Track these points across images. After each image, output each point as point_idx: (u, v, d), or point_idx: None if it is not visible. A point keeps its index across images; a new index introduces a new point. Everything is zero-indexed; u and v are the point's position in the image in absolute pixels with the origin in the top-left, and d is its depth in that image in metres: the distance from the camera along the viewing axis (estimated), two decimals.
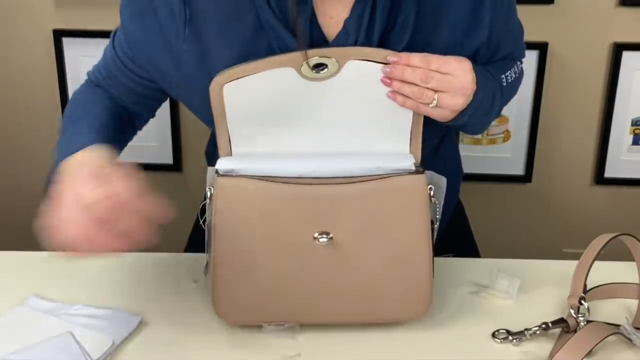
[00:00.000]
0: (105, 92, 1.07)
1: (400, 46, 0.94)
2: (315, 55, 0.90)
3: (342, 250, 0.91)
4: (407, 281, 0.94)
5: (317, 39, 0.94)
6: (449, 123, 0.97)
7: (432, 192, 0.94)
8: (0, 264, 1.11)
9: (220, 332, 0.97)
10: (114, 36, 1.04)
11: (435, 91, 0.92)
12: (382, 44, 0.94)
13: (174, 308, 1.01)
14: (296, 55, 0.90)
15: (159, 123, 1.90)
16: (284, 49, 0.92)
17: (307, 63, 0.90)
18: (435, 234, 0.97)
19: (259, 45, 0.94)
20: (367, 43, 0.93)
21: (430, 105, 0.93)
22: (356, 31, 0.93)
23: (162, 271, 1.09)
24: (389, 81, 0.93)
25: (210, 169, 0.96)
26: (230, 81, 0.91)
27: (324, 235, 0.90)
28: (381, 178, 0.91)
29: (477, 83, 0.94)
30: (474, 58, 0.99)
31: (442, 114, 0.94)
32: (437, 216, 0.95)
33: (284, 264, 0.92)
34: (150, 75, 1.01)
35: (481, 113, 1.00)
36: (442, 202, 0.97)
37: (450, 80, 0.92)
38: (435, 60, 0.92)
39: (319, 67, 0.90)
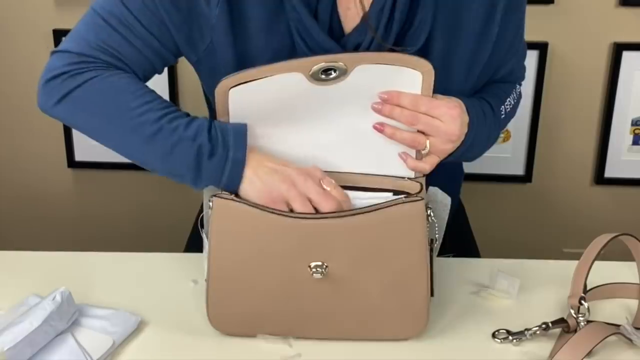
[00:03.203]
0: (121, 71, 0.98)
1: (416, 47, 0.95)
2: (323, 62, 0.90)
3: (338, 281, 0.91)
4: (405, 305, 0.93)
5: (336, 29, 0.95)
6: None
7: (430, 212, 0.92)
8: (0, 264, 1.11)
9: (219, 332, 0.97)
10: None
11: (427, 137, 0.93)
12: (398, 43, 0.94)
13: (174, 308, 1.01)
14: (304, 61, 0.90)
15: None
16: (303, 32, 0.93)
17: (317, 69, 0.89)
18: (436, 252, 0.96)
19: (278, 25, 0.94)
20: (384, 40, 0.94)
21: (424, 152, 0.94)
22: (375, 27, 0.93)
23: (162, 271, 1.09)
24: (380, 127, 0.94)
25: (206, 190, 0.95)
26: (237, 85, 0.91)
27: (319, 268, 0.89)
28: (377, 209, 0.89)
29: (470, 125, 0.95)
30: (480, 73, 1.00)
31: (430, 160, 0.95)
32: (436, 235, 0.94)
33: (277, 289, 0.92)
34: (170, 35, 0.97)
35: (474, 152, 1.01)
36: (446, 219, 0.96)
37: (438, 125, 0.93)
38: (425, 103, 0.92)
39: (327, 71, 0.90)
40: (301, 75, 0.90)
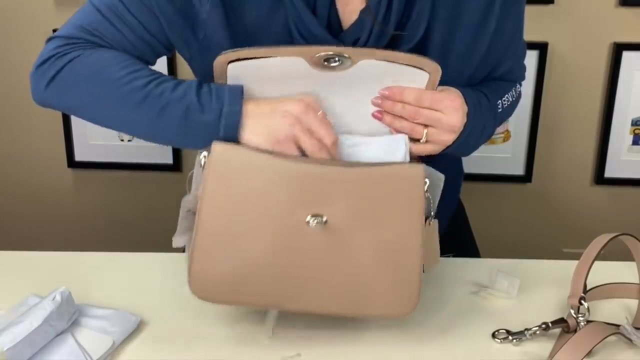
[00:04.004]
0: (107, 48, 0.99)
1: (414, 39, 0.95)
2: (331, 51, 0.89)
3: (334, 235, 0.89)
4: (396, 275, 0.91)
5: (334, 24, 0.95)
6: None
7: (427, 187, 0.92)
8: (0, 264, 1.11)
9: (220, 332, 0.97)
10: None
11: (425, 126, 0.93)
12: (397, 35, 0.95)
13: (174, 308, 1.01)
14: (309, 48, 0.90)
15: None
16: (301, 27, 0.93)
17: (320, 55, 0.89)
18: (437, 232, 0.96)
19: (276, 20, 0.94)
20: (382, 34, 0.94)
21: (421, 141, 0.94)
22: (371, 23, 0.93)
23: (162, 271, 1.09)
24: (379, 115, 0.94)
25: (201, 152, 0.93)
26: (236, 61, 0.90)
27: (317, 218, 0.88)
28: (380, 165, 0.90)
29: (468, 115, 0.95)
30: (475, 69, 1.00)
31: (429, 149, 0.95)
32: (432, 212, 0.94)
33: (270, 243, 0.89)
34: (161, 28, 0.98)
35: (469, 144, 1.01)
36: (438, 199, 0.96)
37: (440, 118, 0.93)
38: (429, 98, 0.93)
39: (329, 60, 0.90)
40: (303, 61, 0.90)
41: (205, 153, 0.90)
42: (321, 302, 0.91)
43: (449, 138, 0.95)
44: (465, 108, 0.96)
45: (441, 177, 0.96)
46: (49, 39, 1.00)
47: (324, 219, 0.88)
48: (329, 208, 0.89)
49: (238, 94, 0.90)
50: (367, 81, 0.92)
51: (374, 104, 0.94)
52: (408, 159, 0.94)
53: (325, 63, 0.90)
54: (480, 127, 1.01)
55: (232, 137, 0.89)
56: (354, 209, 0.89)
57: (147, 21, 0.97)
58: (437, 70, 0.91)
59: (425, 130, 0.94)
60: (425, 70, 0.92)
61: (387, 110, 0.93)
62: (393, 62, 0.91)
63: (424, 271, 0.93)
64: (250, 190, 0.89)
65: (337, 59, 0.89)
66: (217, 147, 0.89)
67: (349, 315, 0.94)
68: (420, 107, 0.93)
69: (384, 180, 0.90)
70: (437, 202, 0.96)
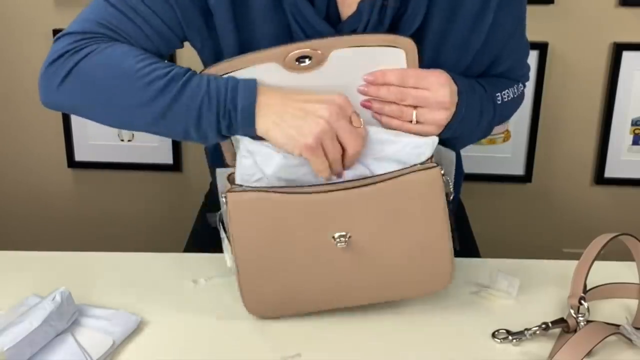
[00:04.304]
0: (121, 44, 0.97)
1: (410, 31, 0.95)
2: (298, 49, 0.90)
3: (362, 249, 0.92)
4: (428, 265, 0.95)
5: (332, 15, 0.96)
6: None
7: (442, 171, 0.92)
8: (0, 264, 1.11)
9: (219, 332, 0.97)
10: None
11: (414, 107, 0.93)
12: (394, 27, 0.95)
13: (174, 308, 1.01)
14: (279, 50, 0.90)
15: None
16: (299, 18, 0.94)
17: (291, 56, 0.90)
18: (453, 204, 0.97)
19: (277, 11, 0.95)
20: (379, 25, 0.94)
21: (412, 122, 0.93)
22: (368, 13, 0.94)
23: (162, 271, 1.09)
24: (368, 104, 0.94)
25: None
26: (224, 74, 0.91)
27: (342, 237, 0.91)
28: (394, 177, 0.91)
29: (458, 94, 0.95)
30: (472, 63, 1.00)
31: (426, 130, 0.95)
32: (451, 189, 0.95)
33: (305, 266, 0.94)
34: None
35: (468, 127, 1.00)
36: (453, 175, 0.97)
37: (427, 96, 0.93)
38: (413, 76, 0.92)
39: (302, 59, 0.91)
40: (277, 65, 0.91)
41: (225, 194, 0.92)
42: (362, 298, 0.97)
43: (441, 116, 0.94)
44: (454, 86, 0.95)
45: (452, 153, 0.96)
46: (58, 37, 0.98)
47: (348, 235, 0.91)
48: (352, 226, 0.92)
49: (252, 87, 0.89)
50: (346, 72, 0.92)
51: (360, 92, 0.94)
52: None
53: (297, 64, 0.90)
54: (477, 110, 1.00)
55: (247, 129, 0.89)
56: (377, 223, 0.92)
57: (162, 11, 0.96)
58: (412, 46, 0.92)
59: (415, 111, 0.93)
60: (399, 48, 0.92)
61: (373, 95, 0.93)
62: (364, 45, 0.91)
63: (455, 248, 0.96)
64: (272, 225, 0.92)
65: (307, 58, 0.90)
66: (230, 197, 0.92)
67: (390, 299, 0.98)
68: (405, 87, 0.92)
69: (402, 190, 0.92)
70: (452, 178, 0.97)
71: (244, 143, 0.93)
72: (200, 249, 1.15)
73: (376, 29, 0.95)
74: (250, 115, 0.89)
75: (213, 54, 1.00)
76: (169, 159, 1.95)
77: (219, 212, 0.97)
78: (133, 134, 1.91)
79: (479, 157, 1.89)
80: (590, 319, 0.95)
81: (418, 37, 0.96)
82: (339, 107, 0.89)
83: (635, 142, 1.87)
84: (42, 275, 1.07)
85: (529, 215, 1.98)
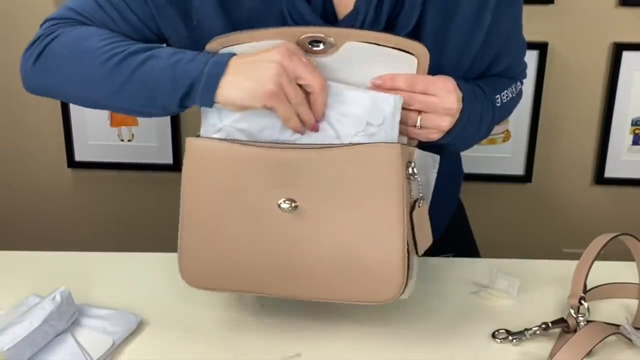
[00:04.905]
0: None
1: (407, 29, 0.95)
2: (314, 32, 0.89)
3: (307, 219, 0.89)
4: (378, 258, 0.88)
5: (329, 13, 0.96)
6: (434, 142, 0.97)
7: (414, 170, 0.89)
8: (0, 264, 1.11)
9: (220, 332, 0.97)
10: None
11: (419, 112, 0.93)
12: (390, 25, 0.95)
13: (174, 308, 1.01)
14: (294, 30, 0.89)
15: (159, 123, 1.90)
16: (295, 16, 0.93)
17: (304, 38, 0.89)
18: (424, 214, 0.93)
19: (271, 9, 0.94)
20: (375, 22, 0.94)
21: (416, 127, 0.93)
22: (365, 10, 0.93)
23: (162, 271, 1.09)
24: None
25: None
26: (224, 47, 0.91)
27: (288, 202, 0.88)
28: (352, 145, 0.88)
29: (463, 101, 0.95)
30: (472, 63, 1.00)
31: (428, 135, 0.94)
32: (420, 194, 0.91)
33: (247, 231, 0.90)
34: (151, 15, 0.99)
35: (468, 132, 1.00)
36: (434, 181, 0.95)
37: (435, 102, 0.92)
38: (421, 82, 0.92)
39: (314, 43, 0.90)
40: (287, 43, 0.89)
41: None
42: (303, 286, 0.91)
43: (445, 122, 0.93)
44: (459, 92, 0.95)
45: (436, 157, 0.95)
46: (42, 23, 1.03)
47: (295, 203, 0.88)
48: (303, 191, 0.88)
49: (229, 54, 0.90)
50: (352, 65, 0.91)
51: None
52: (397, 120, 0.90)
53: (309, 46, 0.89)
54: (478, 116, 1.00)
55: (213, 87, 0.88)
56: (327, 192, 0.88)
57: (136, 6, 0.98)
58: (425, 53, 0.91)
59: (420, 116, 0.93)
60: (413, 54, 0.91)
61: None
62: (379, 44, 0.90)
63: (417, 253, 0.92)
64: (226, 179, 0.90)
65: (321, 43, 0.89)
66: (192, 141, 0.91)
67: (330, 300, 0.92)
68: (414, 93, 0.92)
69: (360, 160, 0.88)
70: (432, 184, 0.94)
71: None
72: None
73: (372, 27, 0.95)
74: (220, 72, 0.88)
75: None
76: (169, 159, 1.95)
77: None
78: (133, 134, 1.91)
79: (479, 157, 1.90)
80: (590, 319, 0.95)
81: (416, 36, 0.95)
82: (288, 50, 0.88)
83: (635, 142, 1.87)
84: (42, 275, 1.07)
85: (529, 215, 1.98)
